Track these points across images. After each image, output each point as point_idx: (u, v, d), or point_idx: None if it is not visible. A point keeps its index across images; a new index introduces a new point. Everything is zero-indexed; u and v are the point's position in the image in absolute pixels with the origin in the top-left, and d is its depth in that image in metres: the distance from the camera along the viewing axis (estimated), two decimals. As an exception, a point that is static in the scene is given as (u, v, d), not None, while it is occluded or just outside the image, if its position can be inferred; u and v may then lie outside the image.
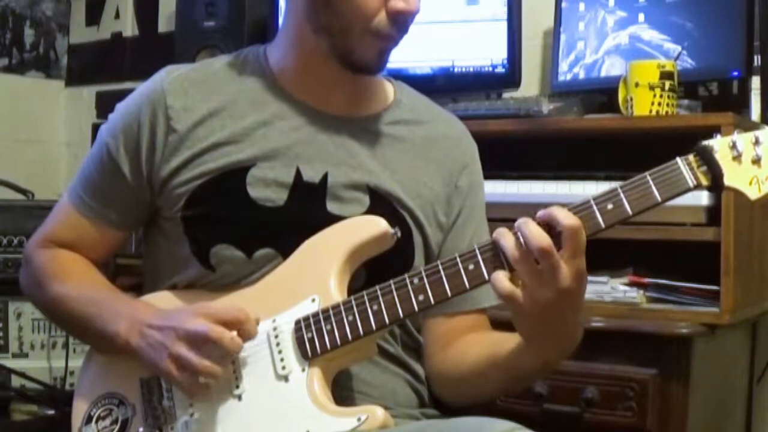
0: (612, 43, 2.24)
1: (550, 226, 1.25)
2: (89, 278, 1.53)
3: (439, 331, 1.52)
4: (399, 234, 1.40)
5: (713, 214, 1.83)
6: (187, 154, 1.46)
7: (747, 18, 2.04)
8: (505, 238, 1.26)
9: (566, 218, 1.24)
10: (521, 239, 1.24)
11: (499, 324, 1.52)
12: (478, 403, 1.51)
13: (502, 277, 1.26)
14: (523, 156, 2.11)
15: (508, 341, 1.38)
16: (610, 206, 1.27)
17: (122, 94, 1.56)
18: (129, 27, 3.28)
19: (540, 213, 1.26)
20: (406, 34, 1.45)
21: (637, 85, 1.96)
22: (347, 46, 1.42)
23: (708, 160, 1.26)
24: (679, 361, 1.77)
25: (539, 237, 1.23)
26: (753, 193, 1.26)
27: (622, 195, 1.27)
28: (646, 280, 1.89)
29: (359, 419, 1.29)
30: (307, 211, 1.44)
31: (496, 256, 1.29)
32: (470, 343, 1.48)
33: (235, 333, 1.33)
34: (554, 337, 1.33)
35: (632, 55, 2.16)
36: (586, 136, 2.05)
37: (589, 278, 1.89)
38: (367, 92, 1.54)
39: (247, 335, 1.34)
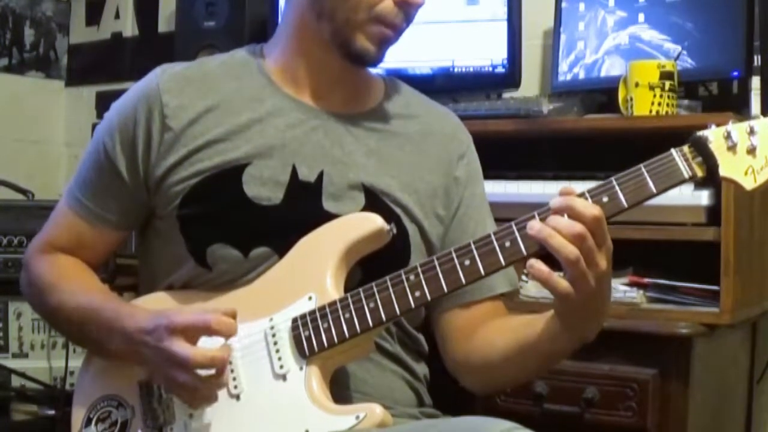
0: (612, 43, 2.24)
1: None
2: (86, 286, 1.53)
3: (458, 323, 1.51)
4: (394, 230, 1.40)
5: (713, 214, 1.83)
6: (182, 151, 1.46)
7: (747, 18, 2.04)
8: (554, 239, 1.24)
9: (587, 208, 1.24)
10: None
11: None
12: (515, 386, 1.52)
13: (558, 278, 1.25)
14: (523, 156, 2.11)
15: (537, 325, 1.37)
16: (605, 199, 1.27)
17: (122, 95, 1.56)
18: (129, 27, 3.28)
19: (557, 203, 1.25)
20: (408, 26, 1.45)
21: (637, 85, 1.96)
22: (349, 32, 1.42)
23: (703, 150, 1.26)
24: (679, 361, 1.76)
25: (571, 225, 1.23)
26: (749, 183, 1.26)
27: (617, 187, 1.27)
28: (646, 280, 1.89)
29: (357, 417, 1.29)
30: (303, 209, 1.44)
31: (492, 251, 1.29)
32: (496, 331, 1.47)
33: (218, 344, 1.32)
34: (594, 318, 1.34)
35: (632, 55, 2.15)
36: (586, 136, 2.05)
37: (589, 278, 1.91)
38: (361, 88, 1.54)
39: (228, 334, 1.32)
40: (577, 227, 1.23)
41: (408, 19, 1.44)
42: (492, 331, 1.48)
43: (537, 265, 1.25)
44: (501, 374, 1.47)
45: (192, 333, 1.32)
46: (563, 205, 1.25)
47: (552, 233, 1.24)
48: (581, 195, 1.27)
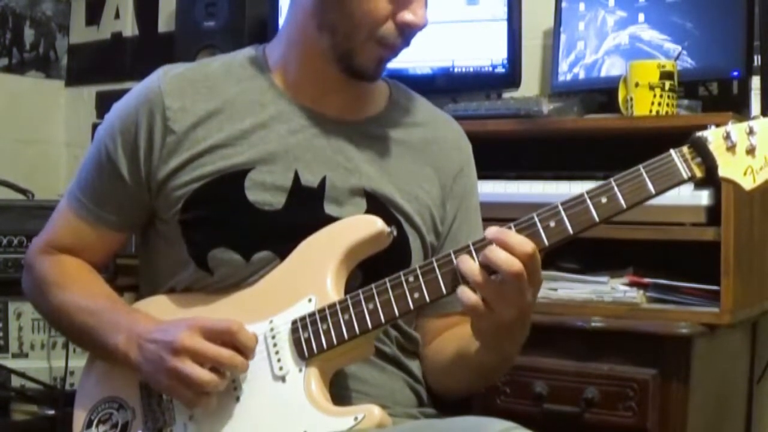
0: (612, 43, 2.24)
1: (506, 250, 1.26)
2: (89, 287, 1.52)
3: (430, 327, 1.54)
4: (395, 233, 1.40)
5: (713, 214, 1.83)
6: (185, 155, 1.45)
7: (747, 18, 2.04)
8: (467, 263, 1.28)
9: (521, 245, 1.25)
10: (490, 263, 1.26)
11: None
12: (460, 396, 1.53)
13: (468, 291, 1.28)
14: (523, 156, 2.11)
15: (471, 339, 1.39)
16: (604, 200, 1.27)
17: (122, 94, 1.55)
18: (129, 27, 3.28)
19: (491, 235, 1.27)
20: (408, 47, 1.45)
21: (637, 85, 1.96)
22: (349, 48, 1.42)
23: (702, 151, 1.26)
24: (679, 361, 1.77)
25: (510, 262, 1.24)
26: (748, 184, 1.26)
27: (616, 188, 1.27)
28: (646, 280, 1.89)
29: (356, 418, 1.29)
30: (305, 215, 1.44)
31: None
32: (448, 339, 1.51)
33: (232, 351, 1.33)
34: (513, 341, 1.37)
35: (632, 55, 2.16)
36: (586, 136, 2.05)
37: (589, 278, 1.92)
38: (364, 94, 1.54)
39: (244, 347, 1.34)
40: (517, 266, 1.24)
41: (408, 41, 1.44)
42: (445, 339, 1.51)
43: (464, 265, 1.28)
44: (445, 380, 1.51)
45: (212, 335, 1.33)
46: (497, 238, 1.26)
47: (464, 259, 1.28)
48: (580, 196, 1.28)
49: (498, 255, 1.25)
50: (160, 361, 1.34)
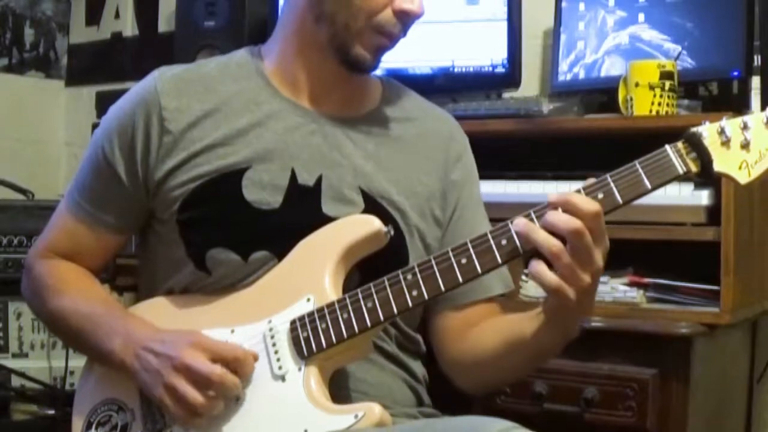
0: (612, 43, 2.24)
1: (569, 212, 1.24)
2: (87, 291, 1.53)
3: (452, 324, 1.52)
4: (392, 232, 1.40)
5: (713, 214, 1.83)
6: (182, 155, 1.45)
7: (747, 18, 2.04)
8: (537, 233, 1.24)
9: (585, 204, 1.23)
10: (550, 226, 1.23)
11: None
12: (506, 386, 1.52)
13: (545, 269, 1.24)
14: (523, 156, 2.10)
15: (523, 324, 1.38)
16: (600, 195, 1.27)
17: (122, 94, 1.56)
18: (129, 27, 3.28)
19: (554, 199, 1.24)
20: (404, 37, 1.46)
21: (637, 85, 1.96)
22: (347, 38, 1.42)
23: (697, 146, 1.27)
24: (679, 361, 1.76)
25: (571, 221, 1.22)
26: (743, 178, 1.26)
27: (612, 184, 1.27)
28: (646, 280, 1.89)
29: (356, 416, 1.29)
30: (302, 213, 1.44)
31: (489, 250, 1.29)
32: (486, 331, 1.48)
33: (235, 377, 1.33)
34: (580, 316, 1.33)
35: (632, 55, 2.15)
36: (586, 136, 2.05)
37: (589, 278, 1.91)
38: (359, 91, 1.54)
39: (243, 374, 1.34)
40: (575, 223, 1.22)
41: (406, 30, 1.45)
42: (482, 332, 1.48)
43: (533, 261, 1.25)
44: (491, 374, 1.48)
45: (215, 357, 1.33)
46: (561, 200, 1.24)
47: (534, 228, 1.25)
48: (577, 192, 1.28)
49: (558, 216, 1.23)
50: (157, 375, 1.34)
